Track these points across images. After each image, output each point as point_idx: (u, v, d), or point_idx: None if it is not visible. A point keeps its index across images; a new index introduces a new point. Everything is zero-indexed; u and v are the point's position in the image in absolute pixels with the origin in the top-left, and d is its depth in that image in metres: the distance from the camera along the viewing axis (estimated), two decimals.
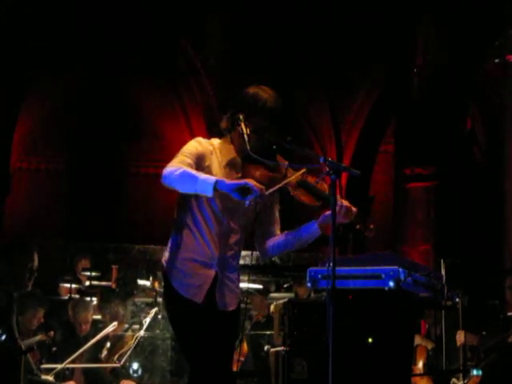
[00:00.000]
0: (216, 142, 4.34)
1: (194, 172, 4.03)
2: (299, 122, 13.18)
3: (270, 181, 4.15)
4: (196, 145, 4.24)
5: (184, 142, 4.39)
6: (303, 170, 4.17)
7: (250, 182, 3.95)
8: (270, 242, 4.39)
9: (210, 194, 3.98)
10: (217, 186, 3.94)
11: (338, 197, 4.12)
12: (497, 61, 10.30)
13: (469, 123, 12.48)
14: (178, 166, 4.06)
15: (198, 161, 4.18)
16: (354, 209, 4.14)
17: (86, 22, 12.09)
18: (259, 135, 4.21)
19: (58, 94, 12.88)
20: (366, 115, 13.25)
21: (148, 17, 12.40)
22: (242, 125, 4.19)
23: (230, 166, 4.26)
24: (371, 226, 4.14)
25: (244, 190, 3.92)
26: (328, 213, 4.15)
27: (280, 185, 4.13)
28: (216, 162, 4.24)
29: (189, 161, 4.13)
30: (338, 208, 4.09)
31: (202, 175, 4.00)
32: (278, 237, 4.39)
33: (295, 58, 12.60)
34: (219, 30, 12.63)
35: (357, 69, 12.68)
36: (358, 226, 4.16)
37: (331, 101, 13.31)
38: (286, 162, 4.27)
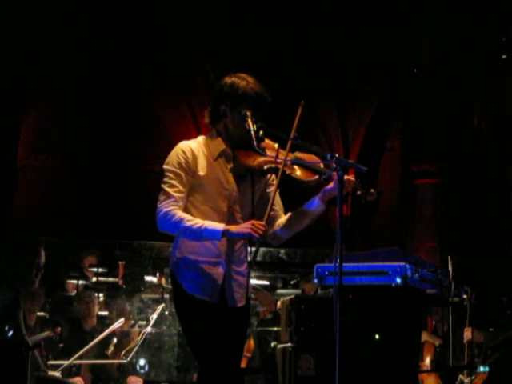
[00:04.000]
0: (201, 138, 4.36)
1: (196, 226, 4.08)
2: (306, 118, 13.17)
3: (261, 164, 4.17)
4: (178, 155, 4.23)
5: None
6: (289, 144, 4.17)
7: (251, 231, 4.00)
8: (277, 226, 4.37)
9: (219, 240, 4.11)
10: (225, 234, 4.07)
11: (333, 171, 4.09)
12: (504, 57, 10.29)
13: (475, 120, 12.46)
14: (172, 213, 4.11)
15: (187, 168, 4.20)
16: (352, 178, 4.11)
17: (88, 19, 12.11)
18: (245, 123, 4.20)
19: (65, 91, 12.88)
20: (372, 112, 13.23)
21: (152, 17, 12.41)
22: (249, 121, 4.18)
23: (222, 157, 4.27)
24: (371, 190, 4.10)
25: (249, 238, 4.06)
26: (328, 187, 4.17)
27: (280, 172, 4.12)
28: (204, 160, 4.24)
29: (177, 190, 4.16)
30: (336, 180, 4.07)
31: (205, 227, 4.07)
32: (283, 219, 4.37)
33: (301, 55, 12.60)
34: (222, 29, 12.63)
35: (363, 66, 12.66)
36: (358, 192, 4.13)
37: (338, 98, 13.29)
38: (276, 144, 4.25)
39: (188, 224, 4.08)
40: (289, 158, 4.17)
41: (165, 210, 4.13)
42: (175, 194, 4.16)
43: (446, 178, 11.96)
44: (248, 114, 4.19)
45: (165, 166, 4.25)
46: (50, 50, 11.93)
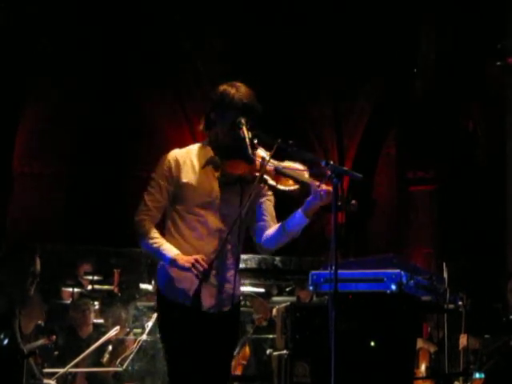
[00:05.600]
0: (195, 146, 4.40)
1: (154, 246, 4.21)
2: (301, 125, 13.17)
3: (249, 173, 4.18)
4: (162, 163, 4.31)
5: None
6: (272, 152, 4.15)
7: (191, 266, 4.05)
8: (264, 237, 4.36)
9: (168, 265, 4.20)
10: (172, 264, 4.16)
11: (316, 182, 4.09)
12: (498, 63, 10.32)
13: (471, 126, 12.48)
14: (141, 225, 4.25)
15: (168, 177, 4.27)
16: (330, 188, 4.05)
17: (86, 25, 12.12)
18: (235, 131, 4.20)
19: (60, 99, 12.88)
20: (367, 118, 13.24)
21: (150, 22, 12.42)
22: (244, 129, 4.18)
23: (209, 165, 4.29)
24: (352, 201, 4.08)
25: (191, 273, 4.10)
26: (308, 199, 4.16)
27: (257, 179, 4.11)
28: (190, 168, 4.28)
29: (153, 198, 4.27)
30: (316, 191, 4.09)
31: (160, 250, 4.19)
32: (270, 230, 4.36)
33: (297, 61, 12.60)
34: (220, 32, 12.64)
35: (359, 71, 12.68)
36: (339, 203, 4.09)
37: (333, 104, 13.30)
38: (266, 154, 4.23)
39: (148, 241, 4.23)
40: (272, 166, 4.16)
41: (136, 218, 4.29)
42: (149, 203, 4.28)
43: (442, 184, 11.97)
44: (243, 121, 4.18)
45: (151, 175, 4.35)
46: (47, 57, 11.94)
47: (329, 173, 4.00)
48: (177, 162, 4.28)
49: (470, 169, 11.97)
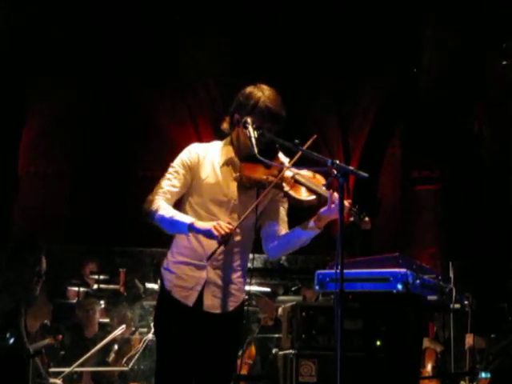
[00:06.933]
0: (216, 143, 4.36)
1: (169, 215, 4.10)
2: (306, 124, 13.16)
3: (266, 178, 4.14)
4: (184, 154, 4.28)
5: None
6: (289, 164, 4.14)
7: (213, 228, 3.96)
8: (274, 243, 4.34)
9: (186, 234, 4.11)
10: (190, 228, 4.04)
11: (331, 192, 4.05)
12: (504, 63, 10.30)
13: (476, 126, 12.46)
14: (154, 201, 4.15)
15: (188, 167, 4.23)
16: (346, 203, 4.01)
17: (86, 25, 12.12)
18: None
19: (66, 98, 12.89)
20: (372, 118, 13.23)
21: (150, 22, 12.42)
22: (250, 128, 4.16)
23: (228, 166, 4.26)
24: (366, 218, 4.07)
25: (210, 235, 3.99)
26: (322, 210, 4.13)
27: (272, 184, 4.09)
28: (210, 165, 4.25)
29: (171, 184, 4.21)
30: (330, 203, 4.07)
31: (175, 218, 4.08)
32: (280, 237, 4.34)
33: (299, 61, 12.59)
34: (220, 32, 12.64)
35: (364, 71, 12.67)
36: (351, 219, 4.07)
37: (338, 103, 13.29)
38: (287, 160, 4.24)
39: (162, 213, 4.11)
40: (290, 174, 4.15)
41: (149, 197, 4.19)
42: (166, 187, 4.20)
43: (447, 184, 11.96)
44: (249, 120, 4.17)
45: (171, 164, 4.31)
46: (49, 57, 11.94)
47: (334, 172, 3.98)
48: (198, 155, 4.25)
49: (475, 168, 11.96)
